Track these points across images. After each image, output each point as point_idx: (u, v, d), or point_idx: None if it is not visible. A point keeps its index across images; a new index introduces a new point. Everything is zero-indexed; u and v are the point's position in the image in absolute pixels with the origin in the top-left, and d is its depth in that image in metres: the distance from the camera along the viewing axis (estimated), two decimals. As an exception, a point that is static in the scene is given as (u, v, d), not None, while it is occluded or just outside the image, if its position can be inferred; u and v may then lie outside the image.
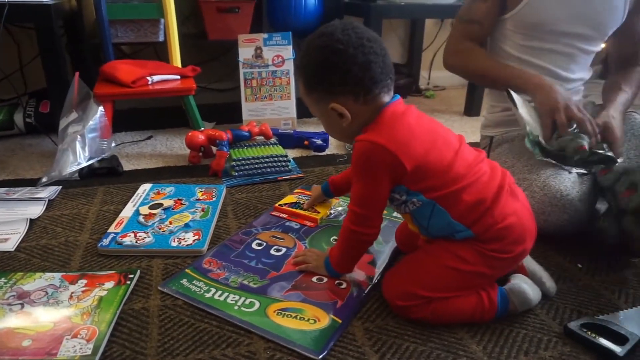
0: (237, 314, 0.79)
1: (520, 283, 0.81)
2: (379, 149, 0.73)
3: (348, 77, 0.73)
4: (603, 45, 1.15)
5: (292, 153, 1.56)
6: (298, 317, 0.78)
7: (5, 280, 0.85)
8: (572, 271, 0.95)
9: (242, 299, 0.82)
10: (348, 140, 0.84)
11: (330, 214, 1.12)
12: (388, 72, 0.75)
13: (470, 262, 0.76)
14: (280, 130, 1.64)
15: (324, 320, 0.77)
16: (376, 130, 0.75)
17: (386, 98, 0.77)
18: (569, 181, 0.99)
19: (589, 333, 0.75)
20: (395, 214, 1.10)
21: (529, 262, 0.87)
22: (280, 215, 1.11)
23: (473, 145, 0.85)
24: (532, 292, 0.81)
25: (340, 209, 1.14)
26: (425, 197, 0.76)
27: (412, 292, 0.77)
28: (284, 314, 0.79)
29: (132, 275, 0.87)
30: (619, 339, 0.74)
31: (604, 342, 0.73)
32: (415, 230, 0.84)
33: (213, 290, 0.84)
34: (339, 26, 0.74)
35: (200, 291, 0.84)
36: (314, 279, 0.87)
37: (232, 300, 0.82)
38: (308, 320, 0.77)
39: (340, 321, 0.78)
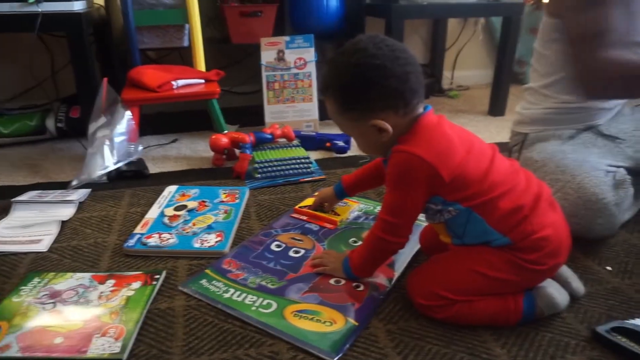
0: (254, 315, 0.80)
1: (548, 287, 0.79)
2: (418, 160, 0.72)
3: (388, 91, 0.73)
4: None
5: (314, 155, 1.57)
6: (315, 319, 0.78)
7: (39, 280, 0.88)
8: (601, 274, 0.92)
9: (260, 299, 0.83)
10: (383, 155, 0.83)
11: (350, 217, 1.12)
12: (422, 82, 0.75)
13: (500, 270, 0.75)
14: (302, 133, 1.65)
15: (341, 322, 0.78)
16: (413, 140, 0.74)
17: (421, 109, 0.77)
18: (605, 184, 0.96)
19: (619, 337, 0.73)
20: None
21: None
22: (300, 217, 1.12)
23: (502, 144, 0.84)
24: (559, 296, 0.79)
25: (359, 212, 1.14)
26: (461, 206, 0.75)
27: (436, 292, 0.77)
28: (301, 315, 0.79)
29: (158, 276, 0.89)
30: (651, 344, 0.71)
31: (634, 347, 0.71)
32: (447, 241, 0.83)
33: (232, 290, 0.86)
34: (369, 41, 0.73)
35: (219, 291, 0.86)
36: (332, 281, 0.87)
37: (249, 301, 0.83)
38: (324, 322, 0.78)
39: (357, 324, 0.78)
